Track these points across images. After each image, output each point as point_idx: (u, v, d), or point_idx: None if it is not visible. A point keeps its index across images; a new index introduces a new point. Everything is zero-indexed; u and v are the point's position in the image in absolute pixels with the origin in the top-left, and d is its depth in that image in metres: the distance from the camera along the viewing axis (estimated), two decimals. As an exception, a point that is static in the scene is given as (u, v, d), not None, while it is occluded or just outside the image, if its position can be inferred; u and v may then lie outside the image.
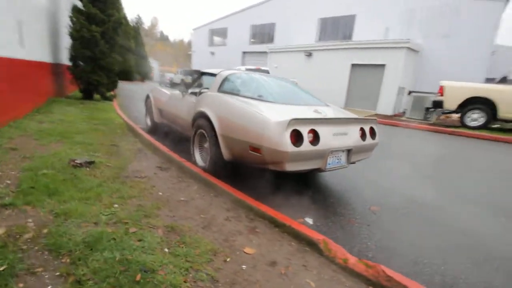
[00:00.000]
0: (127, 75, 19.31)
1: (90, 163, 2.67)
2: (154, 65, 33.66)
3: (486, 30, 12.20)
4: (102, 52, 6.60)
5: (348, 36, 16.53)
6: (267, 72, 12.71)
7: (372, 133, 2.67)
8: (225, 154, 2.47)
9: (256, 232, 1.77)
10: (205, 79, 3.74)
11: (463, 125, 8.00)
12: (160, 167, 2.90)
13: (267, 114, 2.16)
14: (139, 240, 1.51)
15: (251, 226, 1.84)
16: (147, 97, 4.76)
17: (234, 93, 2.74)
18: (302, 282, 1.35)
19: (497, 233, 2.17)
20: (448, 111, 8.44)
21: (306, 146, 2.06)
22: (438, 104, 8.51)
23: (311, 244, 1.63)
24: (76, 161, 2.60)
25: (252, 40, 21.04)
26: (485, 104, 7.55)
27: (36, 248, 1.35)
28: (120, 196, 2.07)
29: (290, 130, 2.00)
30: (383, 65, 12.54)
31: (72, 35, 6.19)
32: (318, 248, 1.59)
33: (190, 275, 1.29)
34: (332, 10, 16.70)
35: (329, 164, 2.31)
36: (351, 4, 15.81)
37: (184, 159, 2.94)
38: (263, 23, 20.13)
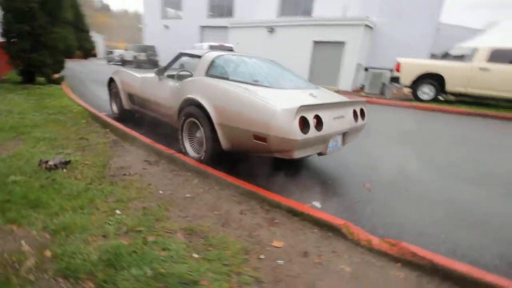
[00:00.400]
0: (66, 52, 16.96)
1: (66, 163, 2.34)
2: (97, 40, 29.94)
3: (432, 8, 13.19)
4: (42, 27, 5.59)
5: (308, 12, 16.49)
6: (230, 49, 12.23)
7: (362, 114, 2.76)
8: (224, 144, 2.35)
9: (276, 223, 1.76)
10: (184, 60, 3.43)
11: (416, 99, 8.79)
12: (148, 161, 2.66)
13: (273, 101, 2.07)
14: (164, 249, 1.38)
15: (269, 217, 1.82)
16: (111, 80, 4.24)
17: (225, 77, 2.56)
18: (338, 268, 1.40)
19: (476, 200, 2.48)
20: (404, 86, 9.17)
21: (312, 132, 2.05)
22: (395, 80, 9.17)
23: (333, 230, 1.68)
24: (48, 163, 2.24)
25: (210, 13, 19.78)
26: (435, 79, 8.34)
27: (47, 276, 1.15)
28: (118, 200, 1.86)
29: (298, 117, 1.96)
30: (343, 42, 12.91)
31: (2, 5, 5.09)
32: (341, 233, 1.64)
33: (233, 280, 1.24)
34: (291, -17, 16.34)
35: (329, 147, 2.35)
36: (311, -22, 15.62)
37: (173, 151, 2.73)
38: (220, -5, 18.96)
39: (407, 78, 8.81)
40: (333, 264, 1.42)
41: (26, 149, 2.58)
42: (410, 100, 8.87)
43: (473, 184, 2.77)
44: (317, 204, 2.17)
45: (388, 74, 10.49)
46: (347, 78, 13.06)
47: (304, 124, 2.02)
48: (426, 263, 1.42)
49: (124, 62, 20.02)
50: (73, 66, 13.39)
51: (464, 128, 5.75)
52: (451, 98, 9.15)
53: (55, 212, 1.61)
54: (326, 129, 2.17)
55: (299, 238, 1.62)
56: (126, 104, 3.98)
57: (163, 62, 20.11)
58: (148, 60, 18.06)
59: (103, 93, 6.84)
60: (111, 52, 23.41)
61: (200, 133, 2.59)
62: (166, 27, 21.55)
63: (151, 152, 2.85)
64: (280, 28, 14.68)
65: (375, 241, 1.57)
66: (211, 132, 2.39)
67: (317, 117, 2.13)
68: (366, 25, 12.66)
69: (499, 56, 7.72)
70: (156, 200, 1.93)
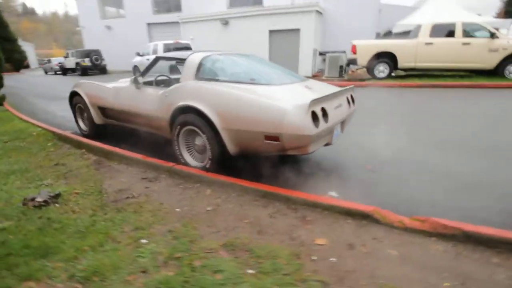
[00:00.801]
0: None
1: (56, 196, 2.05)
2: (27, 49, 26.44)
3: (372, -10, 14.05)
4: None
5: (259, 2, 16.47)
6: (187, 46, 11.74)
7: (352, 100, 2.86)
8: (231, 148, 2.26)
9: (309, 221, 1.75)
10: (160, 65, 3.19)
11: (373, 77, 9.41)
12: (146, 178, 2.46)
13: (281, 99, 2.04)
14: (216, 272, 1.30)
15: (300, 216, 1.81)
16: (73, 94, 3.78)
17: (218, 79, 2.44)
18: (385, 254, 1.45)
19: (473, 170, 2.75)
20: (361, 67, 9.72)
21: (322, 125, 2.07)
22: (353, 61, 9.68)
23: (366, 217, 1.73)
24: (36, 200, 1.95)
25: (155, 9, 18.64)
26: (389, 57, 9.00)
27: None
28: (137, 228, 1.70)
29: (310, 112, 1.96)
30: (298, 29, 13.18)
31: None
32: (374, 219, 1.71)
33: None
34: (238, -27, 16.08)
35: (333, 137, 2.41)
36: (256, -33, 15.53)
37: (172, 163, 2.55)
38: (165, -11, 17.93)
39: (363, 58, 9.35)
40: (380, 251, 1.47)
41: (-2, 188, 2.20)
42: (368, 79, 9.46)
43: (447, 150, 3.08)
44: (333, 193, 2.22)
45: (344, 57, 11.00)
46: (306, 64, 13.43)
47: (313, 117, 2.03)
48: (458, 233, 1.54)
49: (65, 71, 18.06)
50: (7, 82, 11.73)
51: (423, 98, 6.33)
52: (402, 73, 9.98)
53: (73, 256, 1.41)
54: (331, 119, 2.21)
55: (338, 232, 1.64)
56: (97, 119, 3.60)
57: (111, 67, 18.65)
58: (94, 65, 16.50)
59: (56, 108, 6.14)
60: (48, 61, 20.87)
61: (200, 141, 2.45)
62: (109, 27, 19.83)
63: (146, 168, 2.64)
64: (234, 19, 14.43)
65: (406, 221, 1.66)
66: (215, 138, 2.27)
67: (323, 109, 2.15)
68: (317, 11, 13.06)
69: (439, 30, 8.57)
70: (178, 219, 1.80)
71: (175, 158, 2.62)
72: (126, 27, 19.29)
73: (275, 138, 2.02)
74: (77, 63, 16.48)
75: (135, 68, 12.26)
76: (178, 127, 2.50)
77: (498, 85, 7.26)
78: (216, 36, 14.96)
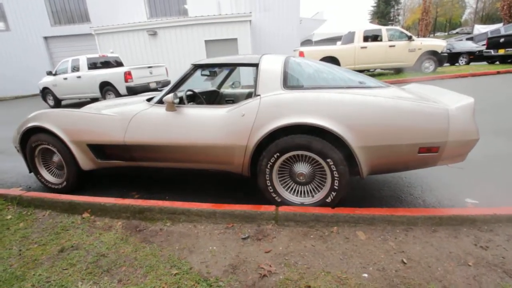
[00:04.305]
0: None
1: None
2: None
3: (294, 4, 15.27)
4: None
5: (183, 12, 15.67)
6: (117, 59, 10.02)
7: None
8: (366, 170, 1.74)
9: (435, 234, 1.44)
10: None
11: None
12: (247, 236, 1.68)
13: (439, 102, 1.68)
14: None
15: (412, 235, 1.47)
16: (31, 131, 2.48)
17: (317, 86, 1.89)
18: None
19: None
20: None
21: None
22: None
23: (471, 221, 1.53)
24: None
25: (54, 20, 15.39)
26: (332, 61, 9.73)
27: None
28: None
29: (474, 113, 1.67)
30: (235, 39, 13.02)
31: None
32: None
33: None
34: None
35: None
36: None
37: (265, 206, 1.84)
38: (65, -4, 15.03)
39: (311, 63, 9.86)
40: None
41: None
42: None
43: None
44: (471, 200, 1.98)
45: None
46: (248, 73, 13.38)
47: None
48: None
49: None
50: None
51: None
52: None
53: None
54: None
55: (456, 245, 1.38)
56: (86, 162, 2.42)
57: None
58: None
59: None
60: None
61: (306, 168, 1.84)
62: (-16, 43, 15.25)
63: (229, 220, 1.82)
64: (163, 29, 13.18)
65: None
66: (344, 162, 1.72)
67: None
68: (250, 21, 13.24)
69: (369, 36, 9.81)
70: (393, 292, 1.20)
71: (254, 197, 1.92)
72: (13, 41, 15.23)
73: (433, 149, 1.64)
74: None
75: (45, 91, 9.66)
76: (275, 155, 1.81)
77: (419, 79, 8.74)
78: (142, 47, 13.38)
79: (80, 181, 2.54)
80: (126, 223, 1.92)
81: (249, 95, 3.08)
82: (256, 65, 2.00)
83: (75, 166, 2.43)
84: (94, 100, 8.88)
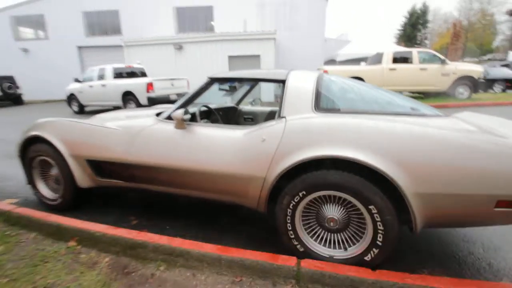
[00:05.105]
0: None
1: None
2: None
3: (319, 24, 15.24)
4: None
5: (210, 28, 16.06)
6: (142, 70, 10.21)
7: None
8: (420, 223, 1.32)
9: None
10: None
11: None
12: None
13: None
14: None
15: None
16: (32, 140, 2.28)
17: (356, 110, 1.53)
18: None
19: None
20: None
21: None
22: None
23: None
24: None
25: (89, 31, 16.28)
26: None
27: None
28: None
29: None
30: (258, 56, 13.04)
31: None
32: None
33: None
34: (186, 0, 15.52)
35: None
36: (205, -6, 15.30)
37: (285, 256, 1.45)
38: (101, 10, 15.92)
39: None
40: None
41: None
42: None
43: None
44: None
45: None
46: (269, 89, 13.25)
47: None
48: None
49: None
50: None
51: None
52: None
53: None
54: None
55: None
56: (84, 179, 2.16)
57: (29, 96, 15.13)
58: (5, 95, 13.05)
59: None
60: None
61: (339, 213, 1.44)
62: (25, 50, 16.34)
63: (236, 272, 1.44)
64: (189, 44, 13.49)
65: None
66: (391, 210, 1.31)
67: None
68: (274, 38, 13.26)
69: (399, 58, 9.37)
70: None
71: (268, 241, 1.53)
72: (49, 49, 16.20)
73: (518, 203, 1.20)
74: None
75: (71, 97, 9.95)
76: (301, 193, 1.44)
77: (454, 105, 8.09)
78: (168, 60, 13.72)
79: (76, 200, 2.28)
80: (114, 261, 1.60)
81: (270, 115, 2.76)
82: (282, 82, 1.68)
83: (72, 182, 2.18)
84: (116, 108, 8.99)
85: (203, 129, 1.78)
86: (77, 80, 9.77)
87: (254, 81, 2.13)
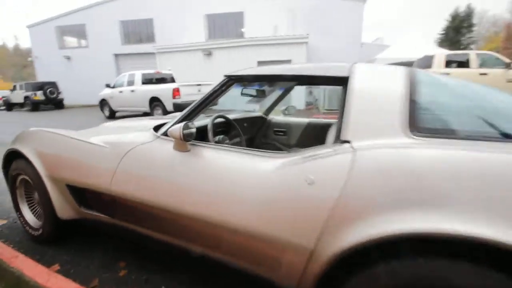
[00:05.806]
0: None
1: None
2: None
3: (355, 28, 14.28)
4: None
5: (240, 34, 15.83)
6: (171, 75, 10.07)
7: None
8: None
9: None
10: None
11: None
12: None
13: None
14: None
15: None
16: (11, 155, 1.84)
17: (490, 136, 0.82)
18: None
19: None
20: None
21: None
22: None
23: None
24: None
25: (125, 39, 16.90)
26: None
27: None
28: None
29: None
30: (289, 60, 12.42)
31: None
32: None
33: None
34: (217, 7, 15.45)
35: None
36: (237, 1, 15.10)
37: None
38: (137, 19, 16.46)
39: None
40: None
41: None
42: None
43: None
44: None
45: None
46: (299, 96, 12.54)
47: None
48: None
49: (10, 106, 14.92)
50: None
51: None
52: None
53: None
54: None
55: None
56: (64, 210, 1.66)
57: (70, 101, 15.95)
58: (48, 99, 13.81)
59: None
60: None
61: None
62: (68, 58, 17.40)
63: None
64: (218, 50, 13.30)
65: None
66: None
67: None
68: (306, 43, 12.58)
69: (452, 61, 8.15)
70: None
71: None
72: (89, 57, 17.08)
73: None
74: (25, 97, 13.63)
75: (103, 102, 10.09)
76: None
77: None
78: (197, 66, 13.65)
79: (58, 232, 1.79)
80: None
81: (310, 129, 2.09)
82: (343, 81, 1.01)
83: (51, 211, 1.69)
84: (146, 114, 8.87)
85: (213, 153, 1.16)
86: (108, 86, 9.88)
87: (291, 81, 1.48)
